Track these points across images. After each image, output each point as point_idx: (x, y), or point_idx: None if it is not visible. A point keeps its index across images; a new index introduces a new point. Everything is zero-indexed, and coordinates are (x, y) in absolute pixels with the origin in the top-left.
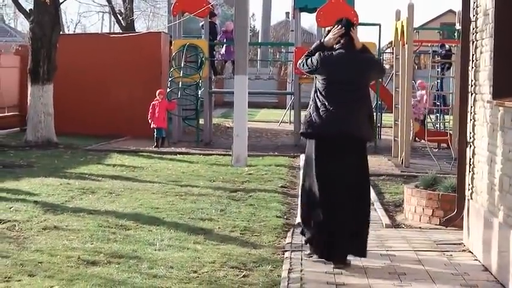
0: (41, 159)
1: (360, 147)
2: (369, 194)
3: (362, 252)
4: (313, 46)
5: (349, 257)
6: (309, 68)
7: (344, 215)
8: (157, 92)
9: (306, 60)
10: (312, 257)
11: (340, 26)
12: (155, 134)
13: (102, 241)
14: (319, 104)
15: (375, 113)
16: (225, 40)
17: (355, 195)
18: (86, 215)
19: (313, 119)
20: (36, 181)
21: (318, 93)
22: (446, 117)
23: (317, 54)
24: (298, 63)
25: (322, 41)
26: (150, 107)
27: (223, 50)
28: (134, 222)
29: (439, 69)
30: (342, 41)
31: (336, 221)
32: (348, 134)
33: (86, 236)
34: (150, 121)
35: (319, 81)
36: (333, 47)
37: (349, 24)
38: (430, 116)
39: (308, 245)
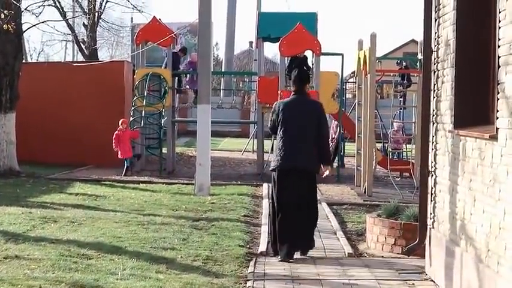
0: (2, 188)
1: (309, 175)
2: (316, 205)
3: (310, 246)
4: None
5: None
6: (273, 120)
7: (294, 221)
8: (120, 121)
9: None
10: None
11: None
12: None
13: (64, 270)
14: (279, 144)
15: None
16: (191, 70)
17: (306, 207)
18: (47, 244)
19: (276, 155)
20: None
21: (279, 136)
22: (409, 146)
23: (275, 104)
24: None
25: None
26: (114, 137)
27: (186, 79)
28: (96, 252)
29: (401, 99)
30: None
31: (288, 225)
32: (298, 167)
33: (48, 266)
34: (116, 150)
35: (280, 127)
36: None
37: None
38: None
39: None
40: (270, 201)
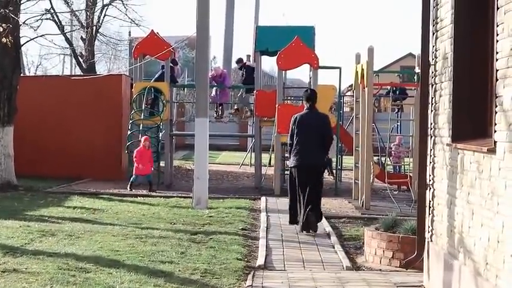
0: (0, 202)
1: (318, 169)
2: (321, 191)
3: (319, 218)
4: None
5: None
6: (291, 130)
7: (307, 199)
8: (143, 138)
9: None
10: (303, 232)
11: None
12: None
13: (62, 284)
14: (295, 146)
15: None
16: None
17: (314, 192)
18: (45, 258)
19: (293, 155)
20: None
21: (295, 140)
22: (406, 159)
23: (293, 117)
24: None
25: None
26: (135, 153)
27: (213, 93)
28: (94, 265)
29: (397, 113)
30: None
31: (303, 203)
32: (310, 164)
33: (46, 279)
34: (138, 165)
35: (294, 133)
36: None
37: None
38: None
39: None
40: (289, 188)
